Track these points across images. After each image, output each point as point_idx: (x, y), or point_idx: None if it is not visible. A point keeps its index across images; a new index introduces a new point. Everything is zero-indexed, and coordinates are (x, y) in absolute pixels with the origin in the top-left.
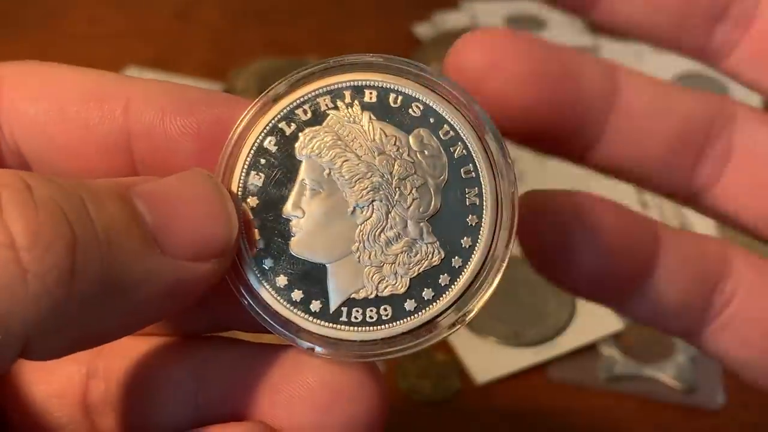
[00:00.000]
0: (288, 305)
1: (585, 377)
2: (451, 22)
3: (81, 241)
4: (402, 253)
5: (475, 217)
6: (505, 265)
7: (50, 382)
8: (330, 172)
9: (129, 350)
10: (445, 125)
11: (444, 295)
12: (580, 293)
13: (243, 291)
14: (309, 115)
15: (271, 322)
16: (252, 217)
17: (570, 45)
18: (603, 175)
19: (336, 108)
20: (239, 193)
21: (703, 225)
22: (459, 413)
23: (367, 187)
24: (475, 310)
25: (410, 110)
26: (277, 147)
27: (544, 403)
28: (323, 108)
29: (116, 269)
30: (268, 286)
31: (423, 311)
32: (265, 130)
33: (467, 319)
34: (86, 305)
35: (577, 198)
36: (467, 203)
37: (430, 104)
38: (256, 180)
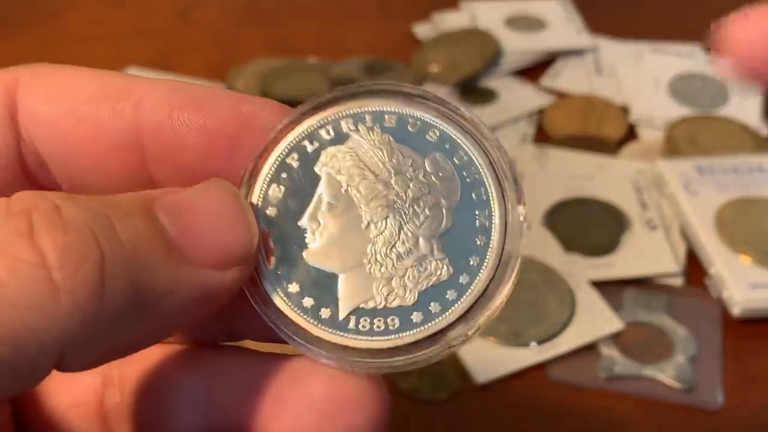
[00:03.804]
0: (298, 311)
1: (585, 377)
2: (451, 22)
3: (109, 257)
4: (412, 267)
5: (483, 237)
6: (510, 285)
7: (68, 392)
8: (347, 189)
9: (142, 359)
10: (460, 151)
11: (451, 310)
12: None
13: (256, 295)
14: (332, 135)
15: (282, 327)
16: (270, 226)
17: (569, 46)
18: None
19: (357, 130)
20: (259, 203)
21: (701, 225)
22: (459, 413)
23: (382, 204)
24: (481, 326)
25: (427, 136)
26: (299, 163)
27: (544, 403)
28: (345, 130)
29: (143, 281)
30: (280, 292)
31: (429, 323)
32: (288, 147)
33: (472, 334)
34: (116, 318)
35: None
36: (477, 224)
37: (447, 131)
38: (277, 192)
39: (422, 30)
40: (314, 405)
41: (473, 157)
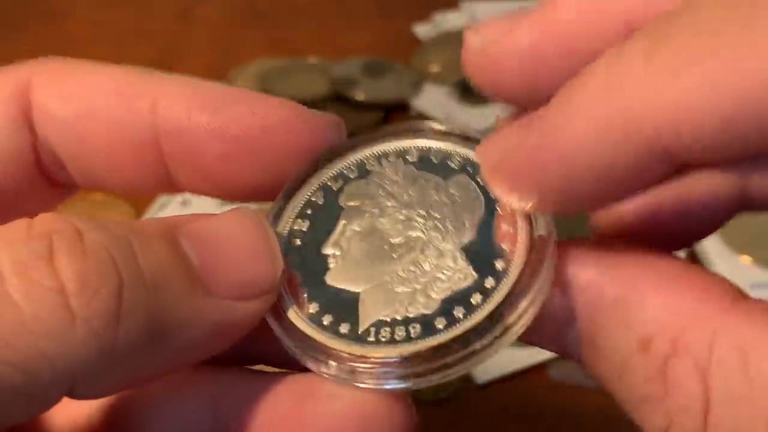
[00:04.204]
0: (317, 327)
1: (585, 377)
2: (451, 22)
3: (128, 285)
4: (435, 278)
5: (509, 244)
6: (539, 285)
7: (62, 409)
8: (371, 216)
9: None
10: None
11: (475, 313)
12: None
13: (273, 317)
14: (356, 173)
15: (299, 347)
16: (293, 254)
17: None
18: None
19: (381, 165)
20: (284, 235)
21: None
22: (459, 413)
23: (405, 227)
24: (509, 327)
25: (449, 162)
26: (324, 200)
27: (544, 403)
28: (369, 167)
29: (162, 312)
30: (299, 312)
31: (454, 327)
32: (315, 187)
33: (500, 335)
34: (132, 347)
35: None
36: (502, 234)
37: (468, 156)
38: (301, 226)
39: (422, 30)
40: (334, 426)
41: None
